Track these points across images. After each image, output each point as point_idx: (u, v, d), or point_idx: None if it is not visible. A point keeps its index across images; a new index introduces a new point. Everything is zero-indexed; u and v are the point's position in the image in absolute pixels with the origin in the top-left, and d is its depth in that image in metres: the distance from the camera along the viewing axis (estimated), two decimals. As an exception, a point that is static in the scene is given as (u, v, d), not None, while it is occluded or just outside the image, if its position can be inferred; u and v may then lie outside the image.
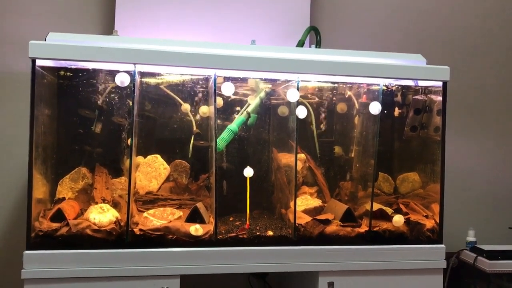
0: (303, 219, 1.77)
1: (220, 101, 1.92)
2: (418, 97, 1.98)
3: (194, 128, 1.93)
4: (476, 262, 2.16)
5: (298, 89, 1.75)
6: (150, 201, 1.84)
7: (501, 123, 2.59)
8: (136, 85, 1.67)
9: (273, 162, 2.01)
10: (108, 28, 2.17)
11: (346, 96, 2.06)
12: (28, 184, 1.55)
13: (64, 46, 1.55)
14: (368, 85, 1.96)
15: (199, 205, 1.75)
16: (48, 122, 1.75)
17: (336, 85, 2.04)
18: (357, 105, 2.03)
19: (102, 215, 1.62)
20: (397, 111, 2.07)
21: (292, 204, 1.77)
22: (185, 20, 2.15)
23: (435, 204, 1.87)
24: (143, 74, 1.83)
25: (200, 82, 1.92)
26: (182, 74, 1.89)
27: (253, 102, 1.94)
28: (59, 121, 1.85)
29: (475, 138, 2.56)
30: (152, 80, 1.89)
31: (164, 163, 1.91)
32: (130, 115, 1.78)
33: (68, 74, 1.82)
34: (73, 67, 1.77)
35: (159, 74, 1.87)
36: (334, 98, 2.08)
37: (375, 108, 1.81)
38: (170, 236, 1.64)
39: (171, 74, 1.88)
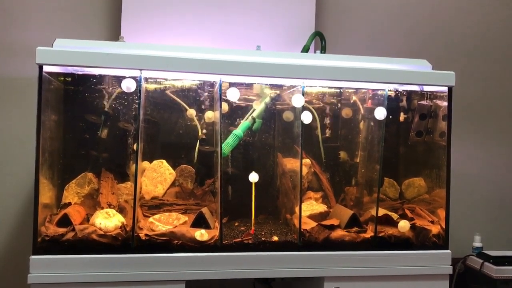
0: (308, 224, 1.77)
1: (225, 106, 1.92)
2: (424, 102, 1.98)
3: (200, 133, 1.94)
4: (483, 268, 2.15)
5: (303, 94, 1.75)
6: (156, 206, 1.85)
7: (508, 127, 2.58)
8: (142, 90, 1.68)
9: (278, 167, 2.01)
10: (115, 34, 2.18)
11: (351, 101, 2.06)
12: (34, 189, 1.56)
13: (71, 52, 1.57)
14: (373, 90, 1.96)
15: (205, 210, 1.75)
16: (55, 128, 1.76)
17: (341, 90, 2.04)
18: (362, 110, 2.03)
19: (108, 220, 1.62)
20: (402, 116, 2.07)
21: (297, 209, 1.77)
22: (190, 26, 2.16)
23: (441, 209, 1.86)
24: (149, 80, 1.84)
25: (206, 88, 1.93)
26: (187, 80, 1.89)
27: (258, 107, 1.94)
28: (65, 126, 1.86)
29: (481, 143, 2.55)
30: (158, 86, 1.90)
31: (170, 168, 1.92)
32: (136, 120, 1.79)
33: (74, 80, 1.83)
34: (79, 73, 1.78)
35: (165, 80, 1.88)
36: (339, 104, 2.08)
37: (380, 113, 1.81)
38: (176, 241, 1.64)
39: (177, 80, 1.89)
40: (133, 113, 1.86)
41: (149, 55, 1.62)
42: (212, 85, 1.89)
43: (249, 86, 1.92)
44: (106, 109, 1.85)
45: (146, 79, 1.81)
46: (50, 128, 1.69)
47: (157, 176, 1.90)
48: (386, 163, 1.95)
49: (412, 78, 1.80)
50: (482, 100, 2.55)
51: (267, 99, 1.95)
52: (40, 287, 1.54)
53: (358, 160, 2.06)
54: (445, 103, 1.85)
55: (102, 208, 1.73)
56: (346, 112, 2.07)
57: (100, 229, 1.60)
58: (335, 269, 1.71)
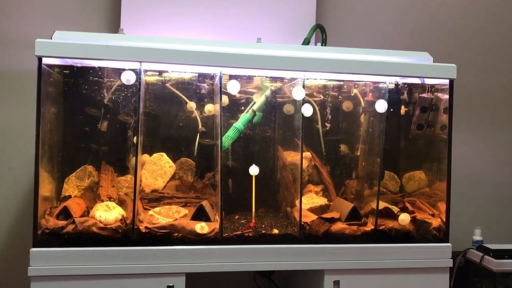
0: (309, 217, 1.77)
1: (225, 99, 1.92)
2: (425, 95, 1.97)
3: (200, 126, 1.93)
4: (483, 261, 2.15)
5: (303, 87, 1.74)
6: (156, 199, 1.85)
7: (509, 121, 2.57)
8: (142, 83, 1.67)
9: (279, 160, 2.00)
10: (114, 26, 2.17)
11: (352, 94, 2.05)
12: (34, 181, 1.56)
13: (70, 45, 1.56)
14: (374, 83, 1.95)
15: (205, 203, 1.75)
16: (54, 120, 1.76)
17: (342, 83, 2.04)
18: (363, 103, 2.02)
19: (108, 213, 1.62)
20: (403, 109, 2.07)
21: (297, 202, 1.77)
22: (190, 18, 2.15)
23: (442, 202, 1.86)
24: (148, 72, 1.84)
25: (206, 80, 1.92)
26: (187, 72, 1.89)
27: (258, 100, 1.94)
28: (65, 119, 1.85)
29: (482, 136, 2.54)
30: (157, 78, 1.89)
31: (170, 161, 1.92)
32: (136, 113, 1.79)
33: (74, 72, 1.82)
34: (79, 65, 1.77)
35: (164, 72, 1.87)
36: (340, 96, 2.07)
37: (381, 106, 1.80)
38: (176, 234, 1.64)
39: (177, 72, 1.88)
40: (133, 105, 1.86)
41: (148, 47, 1.61)
42: (212, 77, 1.88)
43: (250, 78, 1.91)
44: (105, 101, 1.85)
45: (146, 72, 1.80)
46: (50, 121, 1.68)
47: (157, 169, 1.90)
48: (387, 156, 1.95)
49: (413, 71, 1.79)
50: (483, 93, 2.54)
51: (268, 92, 1.94)
52: (41, 280, 1.54)
53: (358, 153, 2.06)
54: (446, 96, 1.85)
55: (102, 201, 1.73)
56: (346, 105, 2.07)
57: (100, 221, 1.60)
58: (335, 262, 1.71)
